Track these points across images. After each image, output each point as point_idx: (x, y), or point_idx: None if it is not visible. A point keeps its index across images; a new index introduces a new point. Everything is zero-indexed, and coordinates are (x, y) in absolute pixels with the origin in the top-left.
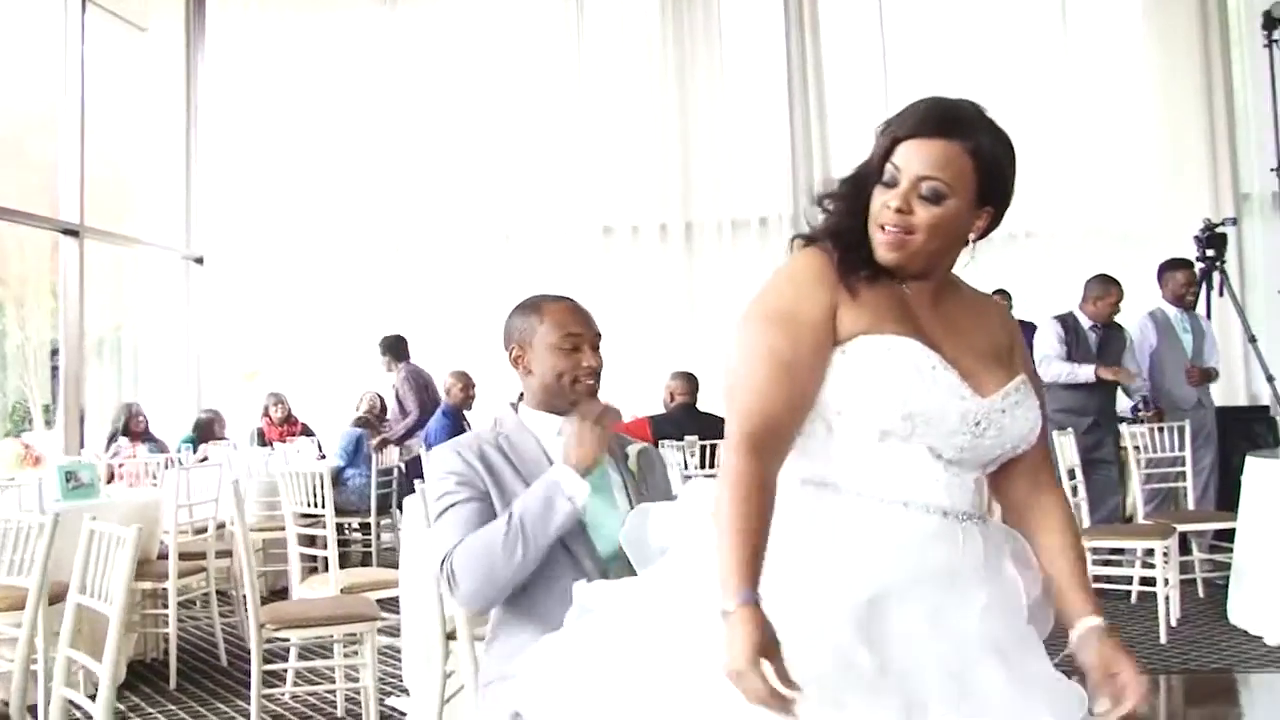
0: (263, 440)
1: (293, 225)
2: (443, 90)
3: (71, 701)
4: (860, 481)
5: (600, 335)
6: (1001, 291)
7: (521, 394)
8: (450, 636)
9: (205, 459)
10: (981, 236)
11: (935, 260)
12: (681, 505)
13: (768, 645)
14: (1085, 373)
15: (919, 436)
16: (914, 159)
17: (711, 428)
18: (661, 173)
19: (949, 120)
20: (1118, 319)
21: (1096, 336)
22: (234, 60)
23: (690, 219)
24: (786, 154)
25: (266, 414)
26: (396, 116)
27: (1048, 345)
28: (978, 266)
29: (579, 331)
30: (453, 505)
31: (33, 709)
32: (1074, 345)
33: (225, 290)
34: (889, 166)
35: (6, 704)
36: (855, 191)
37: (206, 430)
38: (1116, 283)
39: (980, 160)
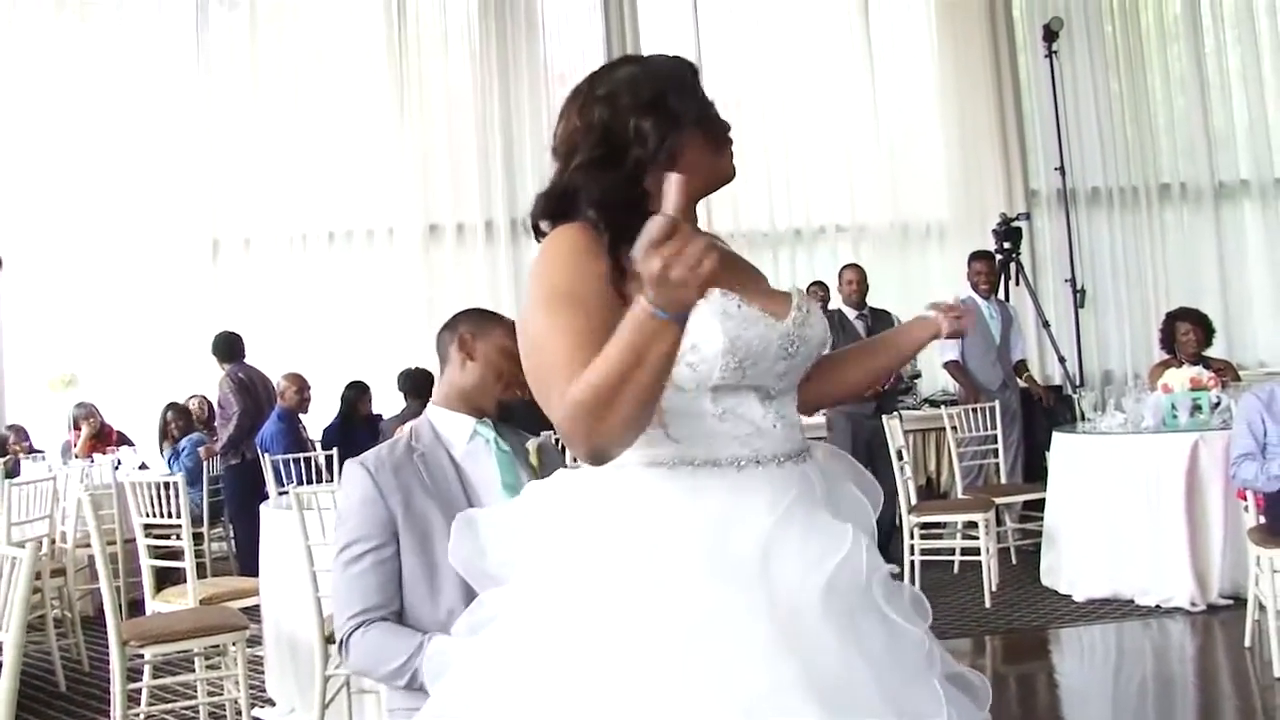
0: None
1: (103, 227)
2: (264, 84)
3: None
4: (707, 449)
5: None
6: (819, 283)
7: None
8: (329, 640)
9: (13, 473)
10: None
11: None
12: (519, 511)
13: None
14: None
15: (749, 379)
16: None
17: None
18: (486, 171)
19: None
20: (884, 306)
21: (864, 325)
22: (29, 45)
23: (516, 216)
24: None
25: (76, 428)
26: (216, 110)
27: None
28: (791, 259)
29: None
30: (360, 556)
31: None
32: (840, 337)
33: (28, 294)
34: (716, 115)
35: None
36: (658, 148)
37: (5, 443)
38: (853, 266)
39: None
